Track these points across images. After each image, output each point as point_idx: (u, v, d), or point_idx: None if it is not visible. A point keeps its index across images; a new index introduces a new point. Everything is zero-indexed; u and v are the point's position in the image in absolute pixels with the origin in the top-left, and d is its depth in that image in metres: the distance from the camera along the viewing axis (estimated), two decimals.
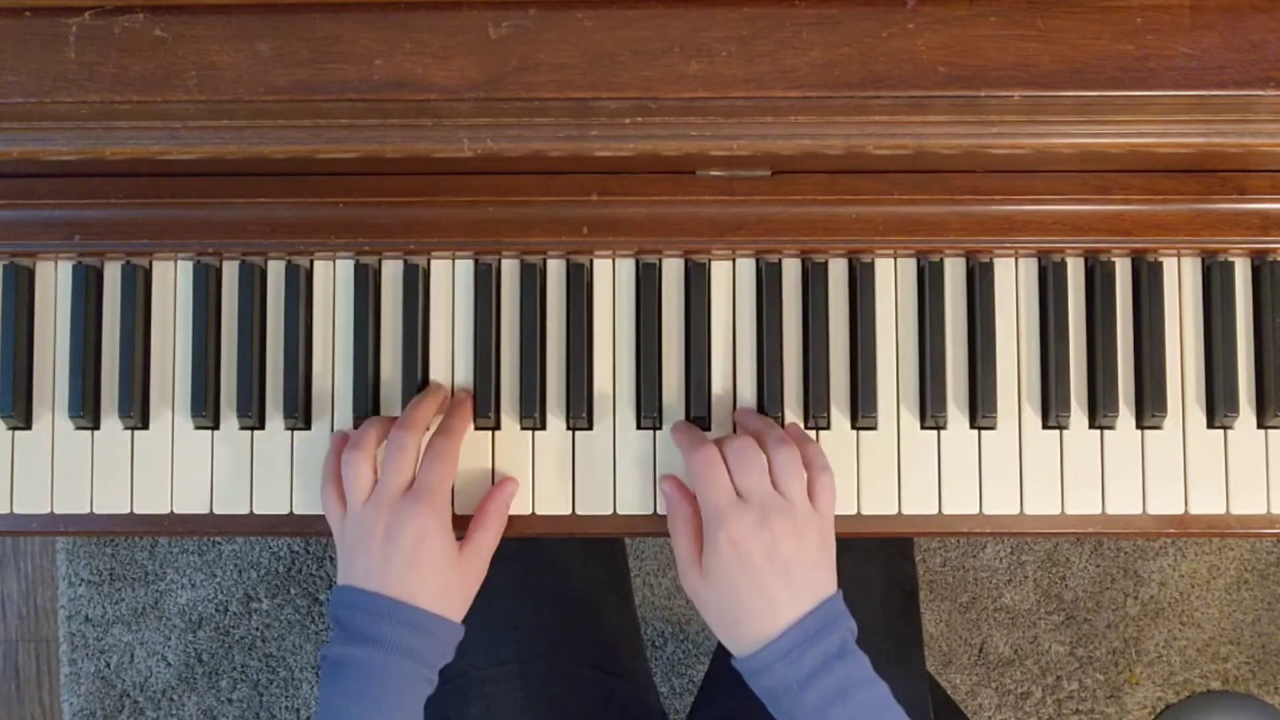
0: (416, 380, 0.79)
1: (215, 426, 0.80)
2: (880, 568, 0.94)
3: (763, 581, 0.69)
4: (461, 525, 0.76)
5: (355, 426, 0.79)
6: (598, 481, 0.79)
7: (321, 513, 0.78)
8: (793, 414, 0.79)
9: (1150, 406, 0.78)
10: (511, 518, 0.78)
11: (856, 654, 0.70)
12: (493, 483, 0.79)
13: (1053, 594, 1.50)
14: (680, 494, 0.75)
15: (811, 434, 0.79)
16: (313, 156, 0.70)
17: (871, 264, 0.79)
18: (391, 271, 0.80)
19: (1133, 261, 0.79)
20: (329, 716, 0.69)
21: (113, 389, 0.79)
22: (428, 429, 0.76)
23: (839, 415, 0.79)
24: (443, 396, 0.78)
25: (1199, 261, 0.79)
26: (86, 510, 0.79)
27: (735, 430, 0.79)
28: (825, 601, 0.70)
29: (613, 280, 0.80)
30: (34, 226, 0.78)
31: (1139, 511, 0.78)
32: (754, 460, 0.72)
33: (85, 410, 0.79)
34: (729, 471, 0.72)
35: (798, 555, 0.70)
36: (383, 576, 0.70)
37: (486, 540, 0.76)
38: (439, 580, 0.72)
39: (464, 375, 0.79)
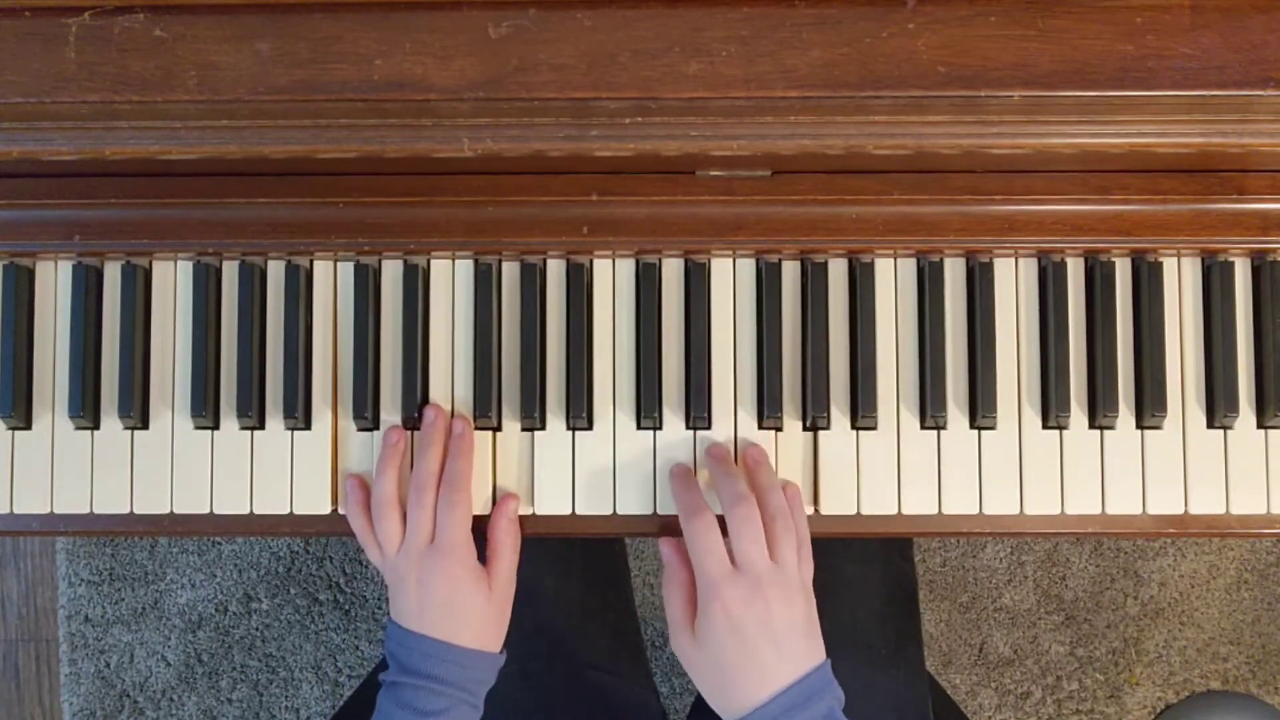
0: (416, 380, 0.79)
1: (215, 426, 0.80)
2: (880, 568, 0.94)
3: (754, 650, 0.70)
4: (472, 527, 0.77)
5: (357, 429, 0.79)
6: (598, 481, 0.79)
7: (320, 513, 0.79)
8: (792, 414, 0.79)
9: (1150, 406, 0.78)
10: None
11: None
12: (493, 485, 0.79)
13: (1053, 594, 1.50)
14: (678, 558, 0.76)
15: (810, 435, 0.79)
16: (313, 156, 0.70)
17: (871, 264, 0.79)
18: (391, 271, 0.80)
19: (1133, 261, 0.79)
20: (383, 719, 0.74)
21: (113, 389, 0.79)
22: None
23: (839, 415, 0.79)
24: (445, 433, 0.78)
25: (1199, 261, 0.79)
26: (86, 510, 0.79)
27: (736, 452, 0.79)
28: (813, 671, 0.71)
29: (613, 280, 0.80)
30: (34, 226, 0.78)
31: (1139, 511, 0.78)
32: (755, 529, 0.72)
33: (85, 410, 0.78)
34: (728, 534, 0.72)
35: (789, 624, 0.71)
36: (422, 620, 0.75)
37: (506, 563, 0.78)
38: (475, 618, 0.76)
39: (464, 375, 0.79)
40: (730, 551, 0.72)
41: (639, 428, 0.79)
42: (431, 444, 0.77)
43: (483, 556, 0.78)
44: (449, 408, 0.79)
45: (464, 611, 0.75)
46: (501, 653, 0.78)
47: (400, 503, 0.77)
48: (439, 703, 0.73)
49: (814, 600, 0.74)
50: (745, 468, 0.77)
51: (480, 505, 0.79)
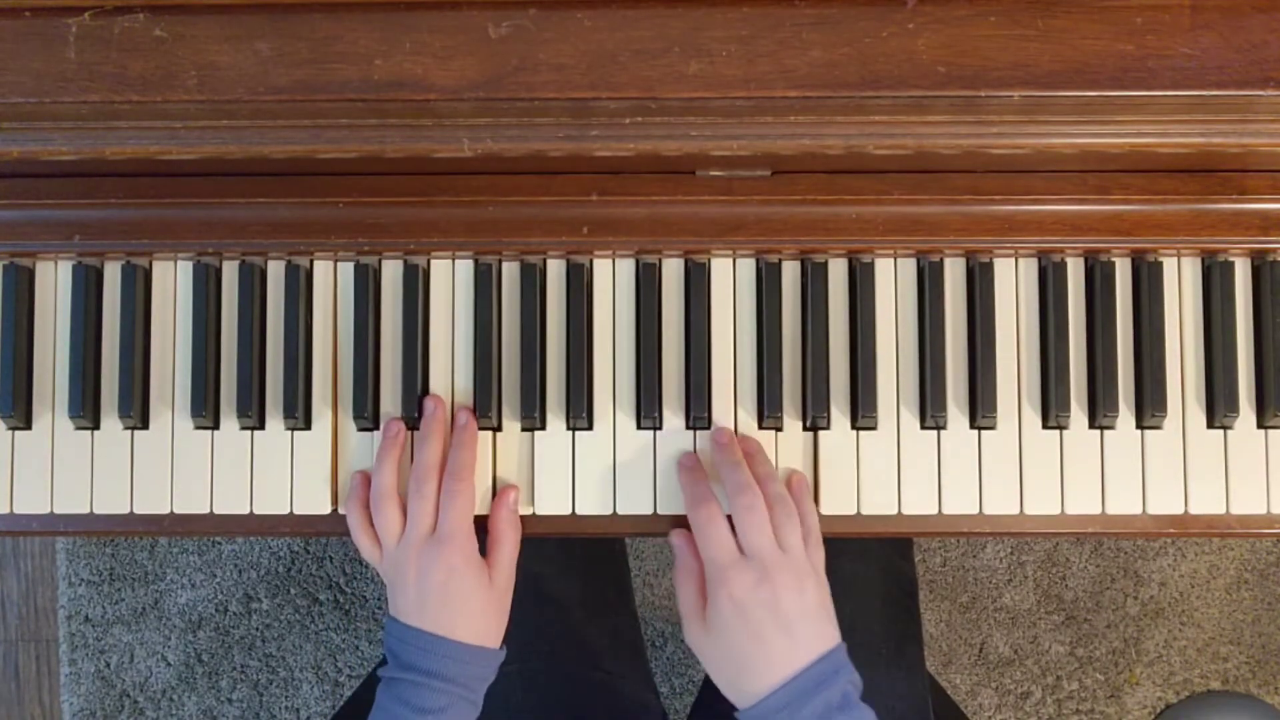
0: (416, 380, 0.79)
1: (215, 426, 0.80)
2: (880, 568, 0.94)
3: (763, 636, 0.70)
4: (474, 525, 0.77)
5: (357, 429, 0.79)
6: (598, 481, 0.79)
7: (320, 513, 0.79)
8: (792, 414, 0.79)
9: (1150, 406, 0.78)
10: None
11: (859, 707, 0.70)
12: (493, 482, 0.79)
13: (1053, 594, 1.50)
14: (689, 548, 0.76)
15: (810, 435, 0.79)
16: (313, 156, 0.70)
17: (871, 264, 0.79)
18: (391, 271, 0.80)
19: (1133, 261, 0.79)
20: (382, 715, 0.74)
21: (113, 389, 0.79)
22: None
23: (839, 415, 0.79)
24: (445, 424, 0.78)
25: (1199, 261, 0.79)
26: (86, 510, 0.79)
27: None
28: (827, 654, 0.70)
29: (613, 280, 0.80)
30: (34, 226, 0.78)
31: (1139, 511, 0.78)
32: (760, 517, 0.72)
33: (85, 410, 0.78)
34: (733, 526, 0.72)
35: (800, 609, 0.70)
36: (420, 614, 0.74)
37: (507, 553, 0.78)
38: (474, 610, 0.75)
39: (464, 375, 0.79)
40: (739, 541, 0.72)
41: (639, 428, 0.79)
42: (432, 435, 0.77)
43: (483, 551, 0.77)
44: (449, 406, 0.79)
45: (464, 603, 0.75)
46: (501, 648, 0.77)
47: (399, 495, 0.77)
48: (438, 700, 0.73)
49: (826, 585, 0.74)
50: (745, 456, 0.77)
51: (481, 506, 0.79)
